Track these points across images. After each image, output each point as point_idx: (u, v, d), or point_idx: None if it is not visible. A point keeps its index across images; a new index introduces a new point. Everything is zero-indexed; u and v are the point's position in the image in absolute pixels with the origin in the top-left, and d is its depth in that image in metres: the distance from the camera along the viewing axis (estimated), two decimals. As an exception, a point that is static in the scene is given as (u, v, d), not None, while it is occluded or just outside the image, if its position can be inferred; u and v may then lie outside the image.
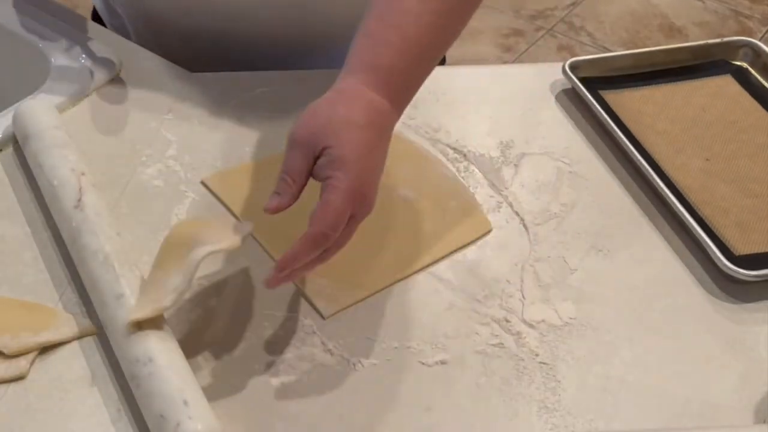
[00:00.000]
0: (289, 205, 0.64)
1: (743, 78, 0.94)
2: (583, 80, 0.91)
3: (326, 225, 0.61)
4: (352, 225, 0.64)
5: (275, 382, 0.64)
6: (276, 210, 0.64)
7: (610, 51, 1.82)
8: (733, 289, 0.74)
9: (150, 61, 0.92)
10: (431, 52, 0.70)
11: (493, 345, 0.68)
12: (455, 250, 0.75)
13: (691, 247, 0.77)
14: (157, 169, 0.80)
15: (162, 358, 0.60)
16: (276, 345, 0.67)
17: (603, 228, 0.79)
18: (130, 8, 0.96)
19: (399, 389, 0.65)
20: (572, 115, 0.90)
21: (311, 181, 0.65)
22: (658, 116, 0.89)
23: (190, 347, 0.65)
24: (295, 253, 0.62)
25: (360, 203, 0.63)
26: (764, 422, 0.64)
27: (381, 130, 0.66)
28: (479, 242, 0.76)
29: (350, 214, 0.63)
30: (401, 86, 0.68)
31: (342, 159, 0.62)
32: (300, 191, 0.64)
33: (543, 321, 0.70)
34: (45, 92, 0.85)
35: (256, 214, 0.76)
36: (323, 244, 0.62)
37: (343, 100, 0.65)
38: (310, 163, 0.64)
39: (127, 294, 0.64)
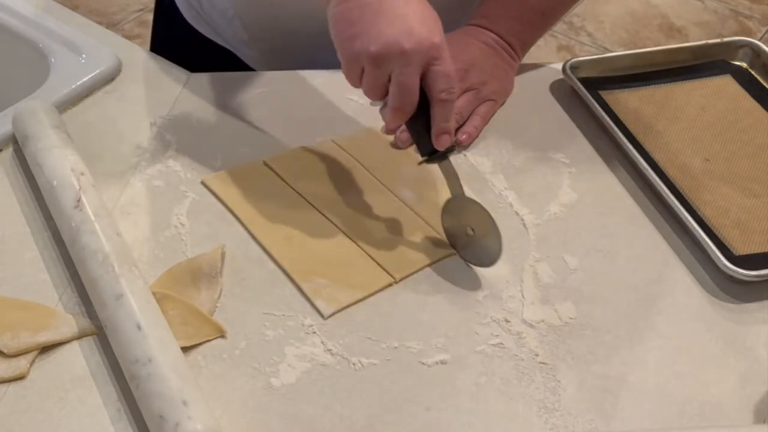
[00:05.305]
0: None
1: (743, 78, 0.94)
2: (583, 80, 0.90)
3: None
4: None
5: (275, 382, 0.64)
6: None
7: (610, 51, 1.82)
8: (733, 289, 0.74)
9: (150, 61, 0.92)
10: None
11: (493, 345, 0.68)
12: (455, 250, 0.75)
13: (691, 247, 0.77)
14: (157, 169, 0.80)
15: (161, 359, 0.60)
16: (276, 345, 0.67)
17: (603, 228, 0.79)
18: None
19: (399, 389, 0.65)
20: (572, 115, 0.90)
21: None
22: (657, 116, 0.89)
23: (190, 347, 0.65)
24: None
25: None
26: (764, 422, 0.64)
27: None
28: (479, 242, 0.76)
29: None
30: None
31: None
32: None
33: (543, 321, 0.70)
34: (45, 92, 0.85)
35: (256, 214, 0.76)
36: None
37: None
38: None
39: (127, 294, 0.64)
